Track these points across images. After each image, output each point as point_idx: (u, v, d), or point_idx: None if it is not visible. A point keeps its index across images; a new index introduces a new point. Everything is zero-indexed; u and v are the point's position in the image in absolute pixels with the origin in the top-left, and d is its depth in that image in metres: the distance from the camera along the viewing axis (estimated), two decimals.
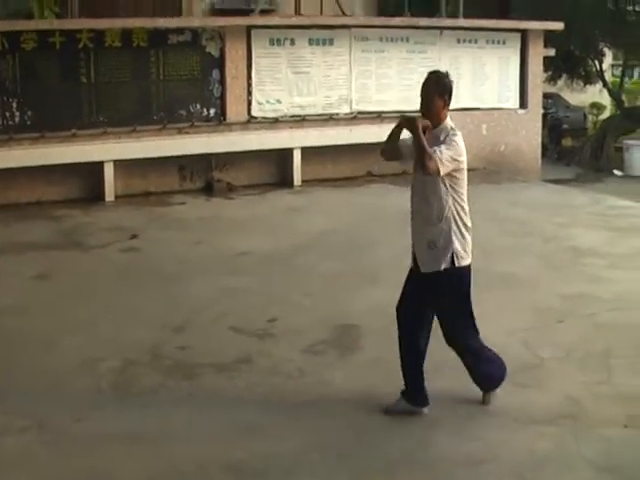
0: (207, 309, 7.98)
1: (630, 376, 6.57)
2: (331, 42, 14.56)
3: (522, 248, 10.25)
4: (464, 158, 5.74)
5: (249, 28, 13.83)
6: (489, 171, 15.46)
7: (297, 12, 15.79)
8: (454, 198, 5.72)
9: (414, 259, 5.86)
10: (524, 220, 11.71)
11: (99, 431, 5.50)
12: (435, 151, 5.47)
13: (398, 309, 5.91)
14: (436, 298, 5.79)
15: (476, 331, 5.88)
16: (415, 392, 5.86)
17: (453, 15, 20.69)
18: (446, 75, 5.83)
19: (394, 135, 5.83)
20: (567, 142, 27.47)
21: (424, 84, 5.77)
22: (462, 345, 5.88)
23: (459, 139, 5.70)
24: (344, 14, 16.28)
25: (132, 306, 8.07)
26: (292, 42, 14.17)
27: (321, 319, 7.65)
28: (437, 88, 5.71)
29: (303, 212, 12.10)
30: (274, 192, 13.38)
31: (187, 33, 13.58)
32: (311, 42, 14.37)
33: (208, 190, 13.59)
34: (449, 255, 5.66)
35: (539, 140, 16.98)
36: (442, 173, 5.54)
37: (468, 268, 5.75)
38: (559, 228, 11.34)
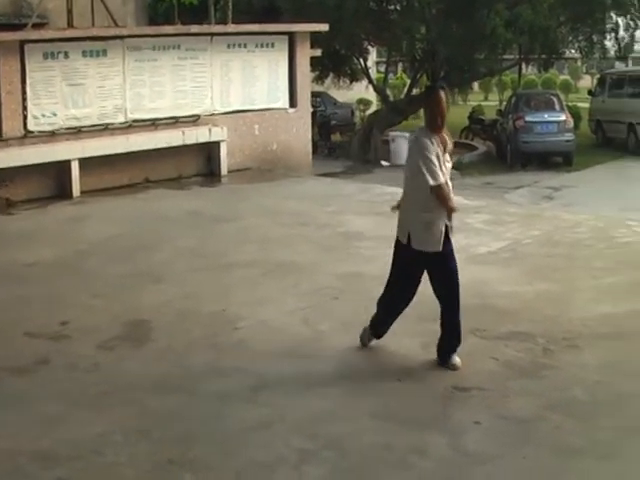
0: None
1: (400, 339, 7.31)
2: (104, 53, 14.61)
3: (298, 237, 10.93)
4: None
5: (22, 43, 13.72)
6: (263, 170, 16.05)
7: (70, 25, 15.79)
8: None
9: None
10: (298, 212, 12.39)
11: None
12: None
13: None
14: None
15: None
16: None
17: (222, 21, 21.32)
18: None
19: None
20: (336, 137, 28.65)
21: (444, 101, 6.58)
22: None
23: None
24: (117, 25, 16.43)
25: None
26: (66, 55, 14.14)
27: (112, 317, 8.00)
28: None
29: (85, 221, 12.23)
30: (55, 204, 13.38)
31: None
32: (85, 54, 14.38)
33: None
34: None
35: (309, 137, 17.70)
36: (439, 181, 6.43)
37: None
38: (331, 216, 12.12)
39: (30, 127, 13.93)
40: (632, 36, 27.21)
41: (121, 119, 14.94)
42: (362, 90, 32.86)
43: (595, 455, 5.40)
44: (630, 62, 37.27)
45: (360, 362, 6.90)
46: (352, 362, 6.88)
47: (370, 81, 29.03)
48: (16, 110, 13.76)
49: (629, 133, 25.29)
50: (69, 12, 15.79)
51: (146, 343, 7.47)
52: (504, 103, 29.52)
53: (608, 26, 26.40)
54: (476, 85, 42.01)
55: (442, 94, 6.60)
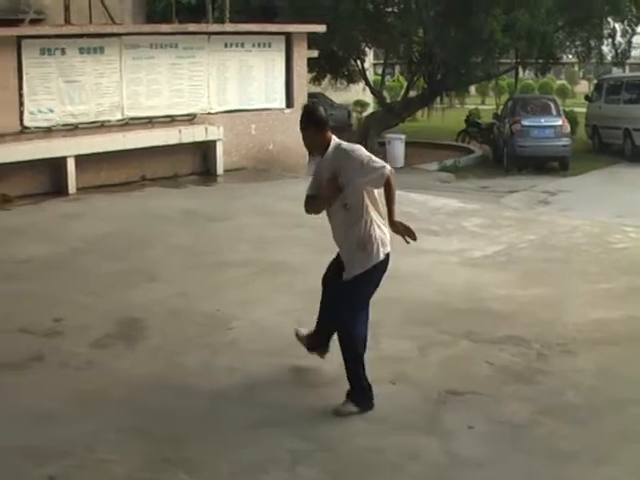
0: None
1: (395, 342, 7.32)
2: (102, 50, 14.58)
3: (292, 238, 10.90)
4: None
5: (19, 38, 13.68)
6: (259, 169, 16.04)
7: (67, 21, 15.74)
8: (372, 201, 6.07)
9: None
10: (293, 213, 12.25)
11: None
12: (372, 172, 5.90)
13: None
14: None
15: None
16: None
17: (220, 20, 21.31)
18: (316, 108, 6.17)
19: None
20: None
21: (301, 123, 6.07)
22: None
23: (361, 148, 6.03)
24: (114, 22, 16.40)
25: None
26: (63, 51, 14.11)
27: (106, 315, 7.97)
28: (313, 122, 6.01)
29: (81, 218, 12.20)
30: (50, 201, 13.34)
31: None
32: (82, 51, 14.35)
33: None
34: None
35: None
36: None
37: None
38: (325, 218, 12.03)
39: (26, 123, 13.91)
40: (629, 42, 27.29)
41: (118, 116, 14.92)
42: (359, 92, 32.98)
43: (589, 460, 5.38)
44: (627, 68, 37.33)
45: None
46: None
47: (367, 83, 29.07)
48: (12, 106, 13.73)
49: (625, 139, 25.32)
50: (66, 9, 15.78)
51: (139, 341, 7.44)
52: (501, 107, 29.53)
53: (605, 31, 26.47)
54: (473, 89, 42.06)
55: (302, 118, 6.13)
